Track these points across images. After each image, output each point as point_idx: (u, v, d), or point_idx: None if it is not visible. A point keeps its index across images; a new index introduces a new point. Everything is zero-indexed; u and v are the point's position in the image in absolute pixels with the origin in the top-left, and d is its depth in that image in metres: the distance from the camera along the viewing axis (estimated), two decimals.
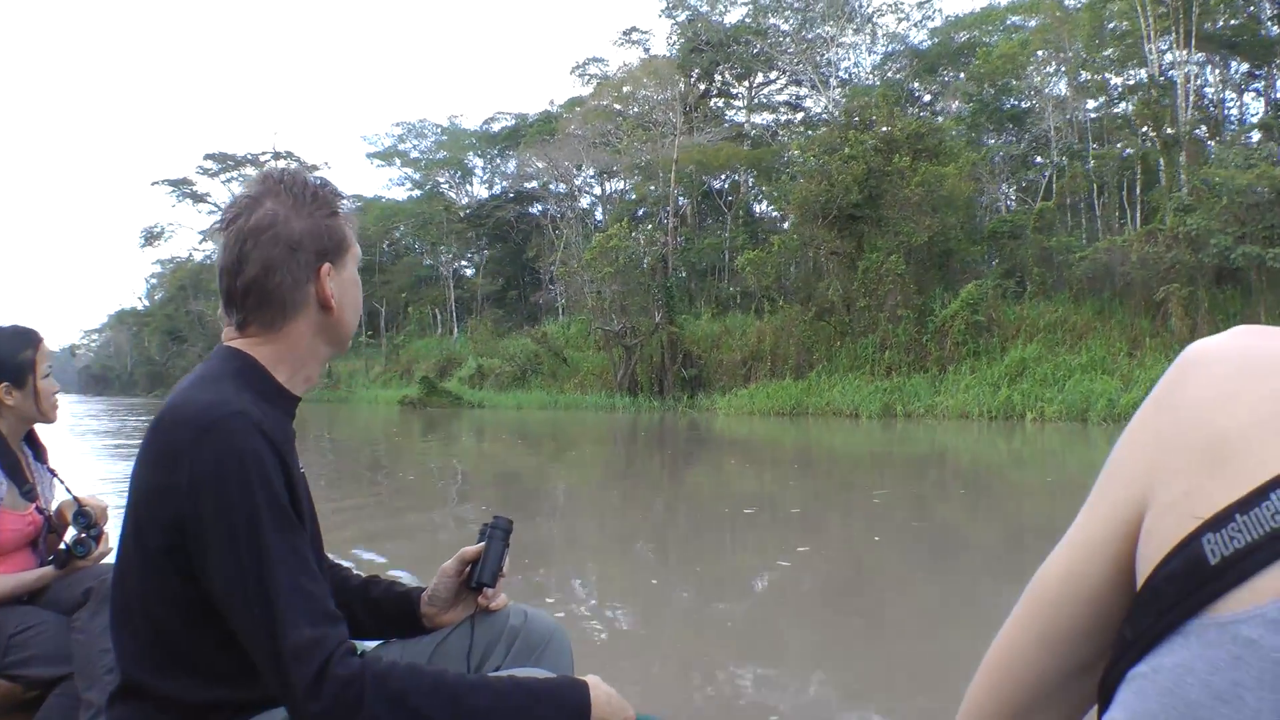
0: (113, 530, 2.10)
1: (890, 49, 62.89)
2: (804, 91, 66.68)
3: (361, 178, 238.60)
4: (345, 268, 1.82)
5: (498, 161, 79.39)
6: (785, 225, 42.07)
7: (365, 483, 14.64)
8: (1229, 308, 32.20)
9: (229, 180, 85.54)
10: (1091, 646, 0.83)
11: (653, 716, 1.94)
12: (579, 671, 1.87)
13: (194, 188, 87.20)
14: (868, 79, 63.41)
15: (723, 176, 61.51)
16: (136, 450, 1.68)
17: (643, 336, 43.03)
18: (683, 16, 68.20)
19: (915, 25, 62.89)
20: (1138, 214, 39.70)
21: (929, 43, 60.99)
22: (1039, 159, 47.25)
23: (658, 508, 12.22)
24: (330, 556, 2.07)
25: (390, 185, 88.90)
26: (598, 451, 22.62)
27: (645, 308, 43.25)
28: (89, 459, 16.74)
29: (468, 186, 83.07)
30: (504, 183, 77.04)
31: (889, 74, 62.86)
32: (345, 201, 1.85)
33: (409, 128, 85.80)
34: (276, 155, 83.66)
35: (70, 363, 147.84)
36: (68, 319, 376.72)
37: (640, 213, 63.34)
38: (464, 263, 77.93)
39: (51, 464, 3.28)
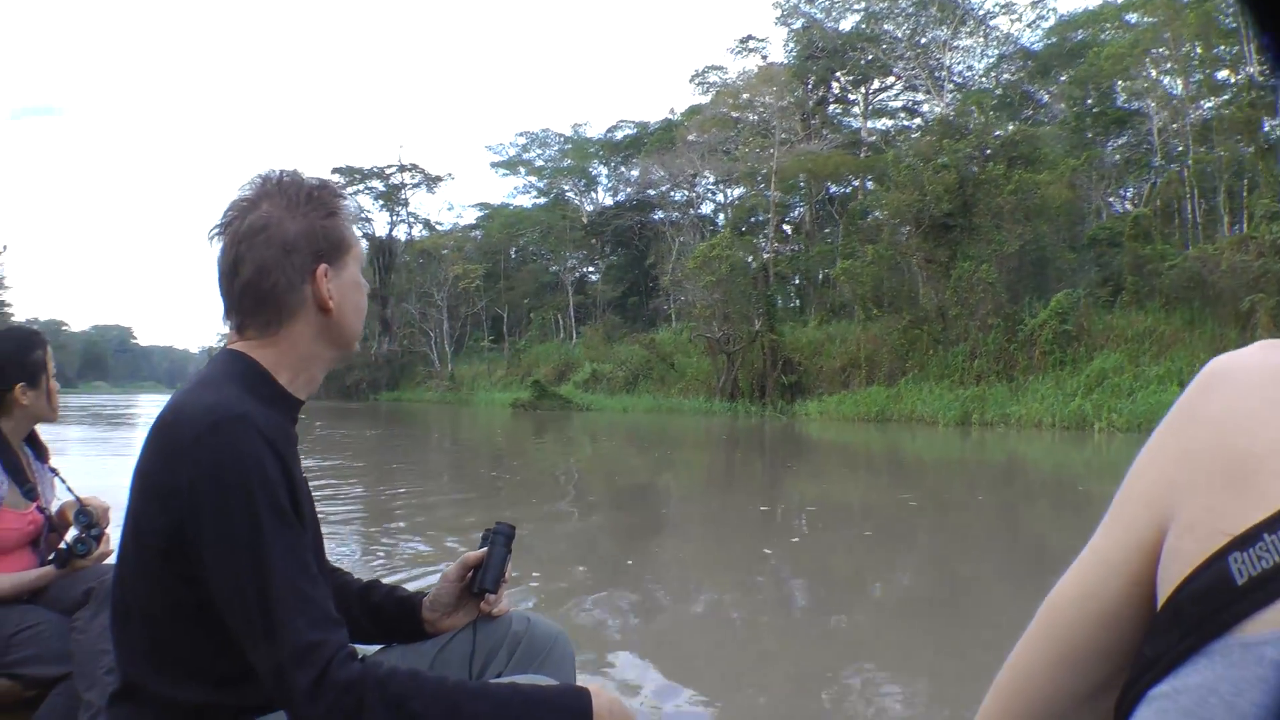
0: (115, 531, 2.18)
1: (1003, 51, 62.73)
2: (920, 96, 67.02)
3: (487, 187, 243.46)
4: (345, 269, 1.83)
5: (621, 169, 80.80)
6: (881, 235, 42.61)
7: (470, 477, 16.21)
8: None
9: (355, 192, 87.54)
10: (1107, 668, 0.83)
11: None
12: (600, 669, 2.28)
13: None
14: (981, 82, 63.45)
15: (844, 183, 61.96)
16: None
17: (743, 344, 44.19)
18: (798, 24, 68.96)
19: (1029, 26, 62.68)
20: (1242, 221, 39.29)
21: (1043, 44, 60.64)
22: (1156, 161, 46.67)
23: (731, 508, 12.94)
24: (330, 560, 2.09)
25: (515, 193, 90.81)
26: (679, 452, 24.13)
27: (746, 315, 44.40)
28: None
29: (592, 194, 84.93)
30: (627, 190, 78.63)
31: (1002, 77, 62.80)
32: (347, 202, 1.87)
33: (532, 137, 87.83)
34: (401, 167, 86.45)
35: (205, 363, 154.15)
36: (205, 321, 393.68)
37: (756, 219, 64.22)
38: (590, 269, 79.86)
39: (52, 464, 3.36)
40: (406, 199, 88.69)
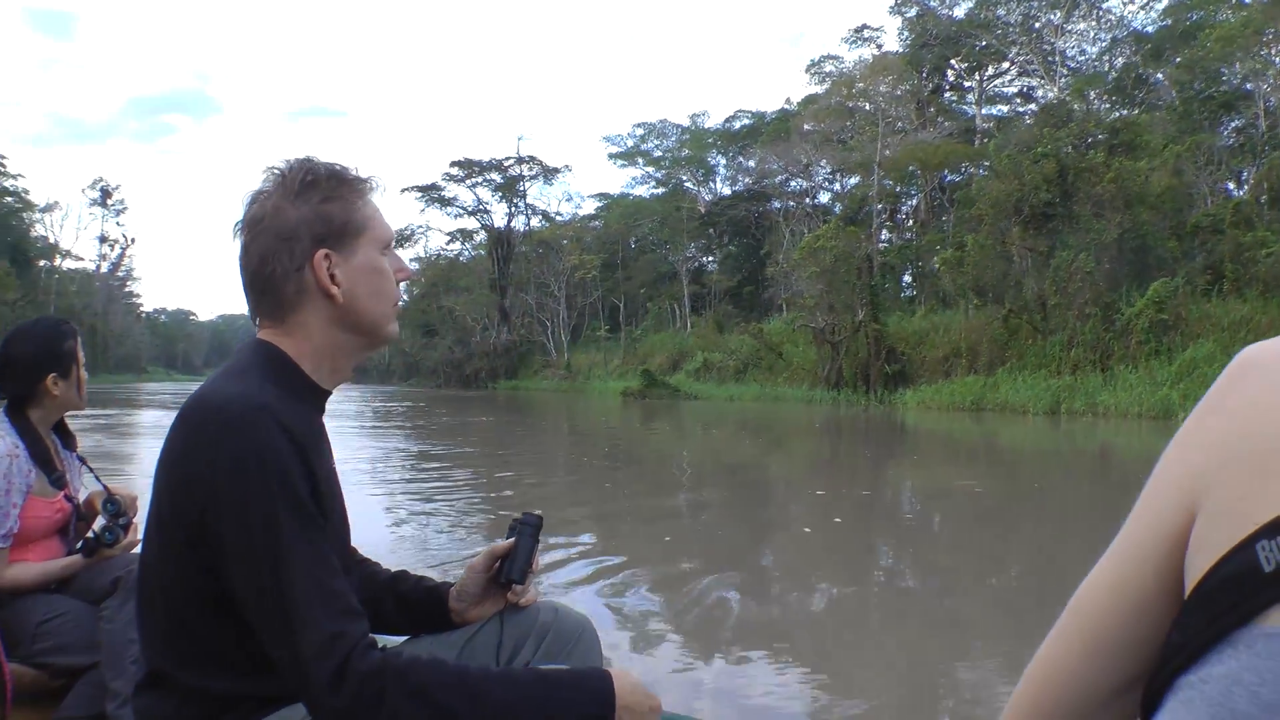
0: (143, 520, 1.94)
1: (1116, 34, 62.25)
2: (1034, 82, 66.83)
3: (606, 178, 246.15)
4: (356, 253, 1.79)
5: (739, 159, 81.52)
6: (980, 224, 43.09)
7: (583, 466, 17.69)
8: None
9: (474, 185, 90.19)
10: (1138, 660, 0.82)
11: (684, 716, 2.06)
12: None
13: (441, 192, 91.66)
14: (1095, 66, 63.10)
15: (958, 172, 62.08)
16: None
17: (847, 334, 45.18)
18: (912, 12, 69.19)
19: (1143, 8, 62.10)
20: None
21: (1156, 25, 60.00)
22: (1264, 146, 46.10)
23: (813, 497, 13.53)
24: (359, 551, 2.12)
25: (633, 184, 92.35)
26: (777, 439, 25.68)
27: (850, 305, 45.34)
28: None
29: (711, 184, 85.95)
30: (745, 180, 79.43)
31: (1116, 60, 62.34)
32: (362, 185, 1.84)
33: (650, 128, 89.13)
34: (519, 160, 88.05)
35: None
36: None
37: (868, 209, 64.63)
38: (709, 259, 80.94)
39: (80, 451, 3.39)
40: (524, 190, 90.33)
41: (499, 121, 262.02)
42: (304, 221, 1.74)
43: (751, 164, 76.80)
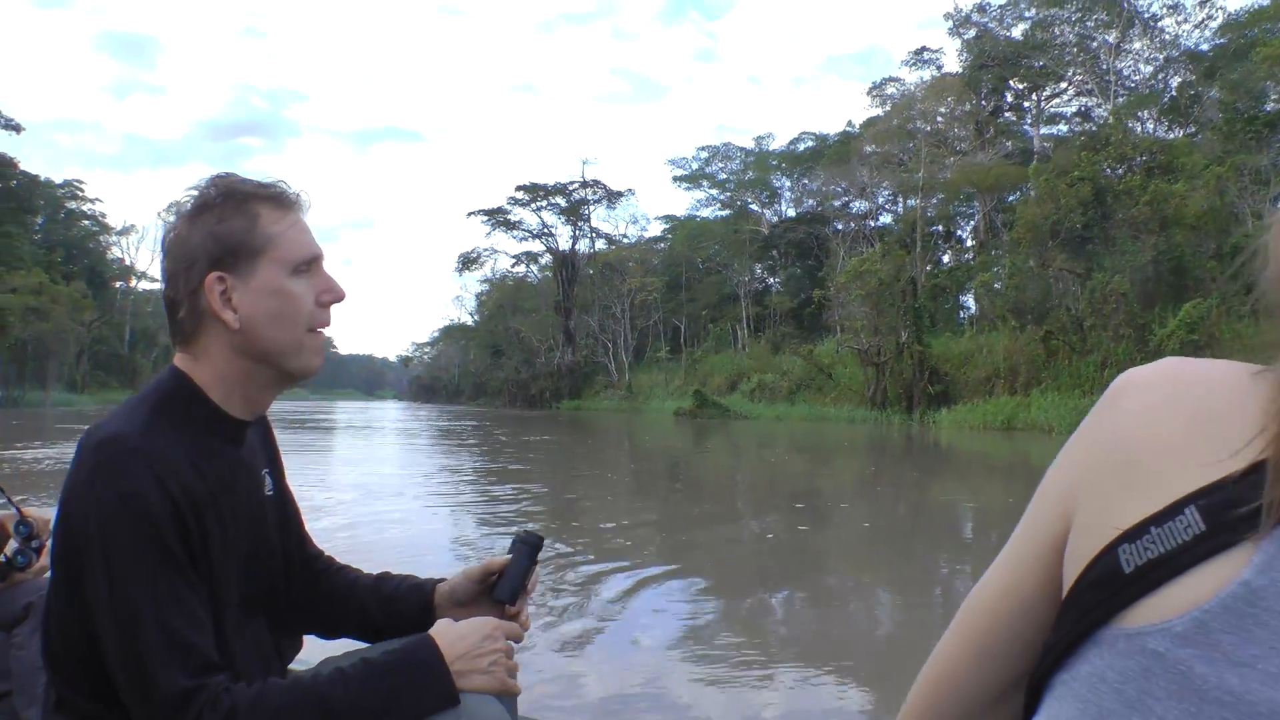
0: None
1: (1169, 54, 62.51)
2: (1092, 102, 67.18)
3: (673, 199, 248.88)
4: (255, 274, 1.68)
5: (804, 181, 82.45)
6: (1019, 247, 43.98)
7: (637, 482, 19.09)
8: None
9: (539, 209, 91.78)
10: (1025, 660, 0.88)
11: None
12: None
13: (507, 216, 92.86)
14: (1150, 85, 63.37)
15: (1016, 193, 62.39)
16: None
17: (889, 355, 46.23)
18: (970, 34, 69.79)
19: (1197, 26, 62.30)
20: None
21: (1211, 44, 60.16)
22: None
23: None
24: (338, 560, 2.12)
25: (697, 205, 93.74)
26: (807, 455, 27.00)
27: (894, 327, 46.39)
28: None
29: (776, 206, 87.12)
30: (810, 201, 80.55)
31: (1170, 80, 62.61)
32: (267, 202, 1.72)
33: (713, 150, 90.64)
34: (584, 184, 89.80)
35: (403, 372, 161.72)
36: (400, 331, 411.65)
37: (921, 232, 65.21)
38: (774, 280, 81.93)
39: None
40: (588, 214, 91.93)
41: (566, 145, 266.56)
42: (199, 243, 1.67)
43: (816, 185, 77.83)
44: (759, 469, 23.44)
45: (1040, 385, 40.19)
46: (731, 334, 76.34)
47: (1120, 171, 41.11)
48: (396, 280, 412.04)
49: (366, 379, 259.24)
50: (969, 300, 59.02)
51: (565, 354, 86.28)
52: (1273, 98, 47.73)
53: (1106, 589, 0.76)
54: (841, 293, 48.91)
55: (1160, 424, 0.81)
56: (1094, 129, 46.20)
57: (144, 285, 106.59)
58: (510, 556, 2.04)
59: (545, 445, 30.36)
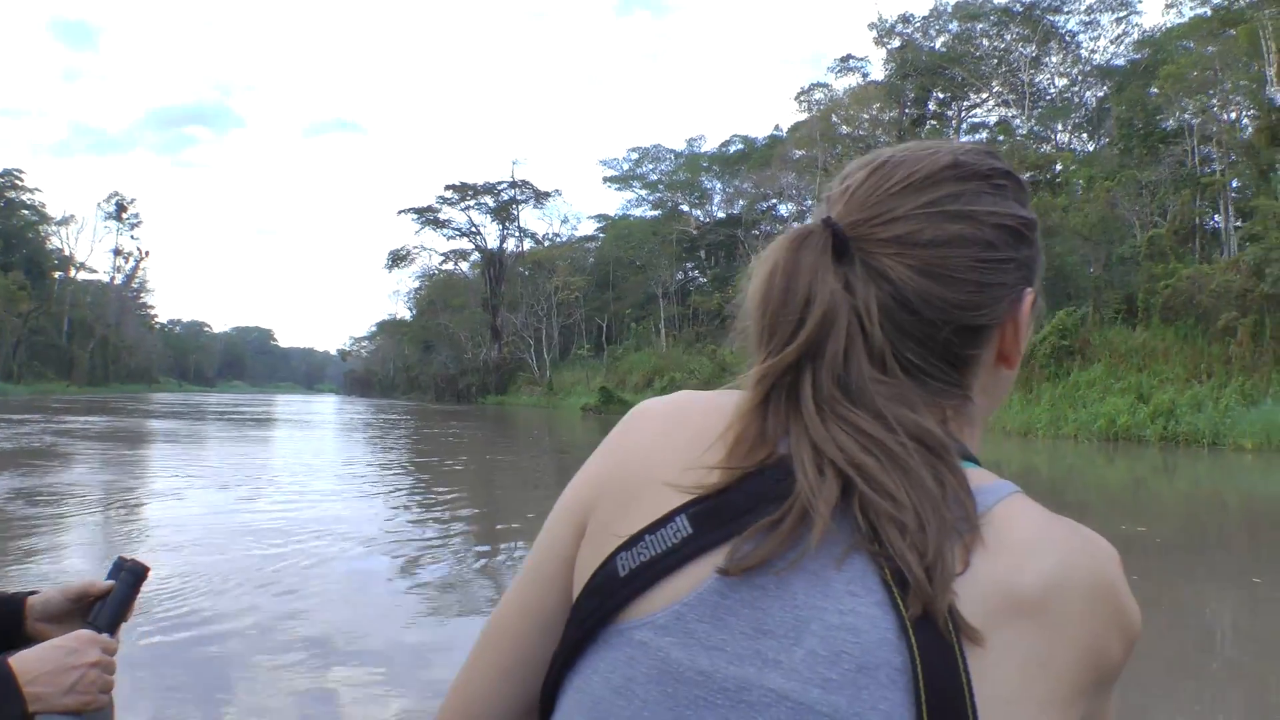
0: None
1: (1083, 69, 63.94)
2: (1011, 113, 68.55)
3: (608, 199, 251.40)
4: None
5: (736, 183, 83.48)
6: None
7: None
8: None
9: (466, 208, 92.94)
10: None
11: None
12: None
13: (436, 214, 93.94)
14: (1065, 98, 64.78)
15: None
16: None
17: None
18: (895, 44, 70.99)
19: (1113, 42, 63.82)
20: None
21: (1127, 60, 61.51)
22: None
23: None
24: None
25: (627, 206, 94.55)
26: None
27: None
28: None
29: (708, 207, 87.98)
30: (741, 203, 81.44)
31: (1085, 94, 64.04)
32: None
33: (644, 152, 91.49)
34: (512, 184, 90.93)
35: (341, 365, 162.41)
36: (341, 324, 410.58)
37: None
38: (703, 279, 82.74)
39: None
40: (517, 214, 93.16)
41: (506, 141, 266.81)
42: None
43: (748, 187, 78.88)
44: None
45: None
46: (656, 332, 77.21)
47: None
48: (338, 273, 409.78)
49: (307, 372, 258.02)
50: None
51: (492, 350, 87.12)
52: (1175, 115, 49.14)
53: (604, 593, 0.83)
54: (738, 294, 49.92)
55: (664, 446, 0.91)
56: (1015, 141, 47.34)
57: (83, 276, 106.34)
58: (112, 583, 1.88)
59: (435, 437, 31.53)
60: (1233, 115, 45.63)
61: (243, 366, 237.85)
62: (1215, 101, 45.18)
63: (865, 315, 0.88)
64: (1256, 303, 33.69)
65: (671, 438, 0.92)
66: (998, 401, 1.04)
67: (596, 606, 0.83)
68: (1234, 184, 43.05)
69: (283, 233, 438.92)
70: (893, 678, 0.74)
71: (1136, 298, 39.42)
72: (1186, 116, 46.97)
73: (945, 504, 0.79)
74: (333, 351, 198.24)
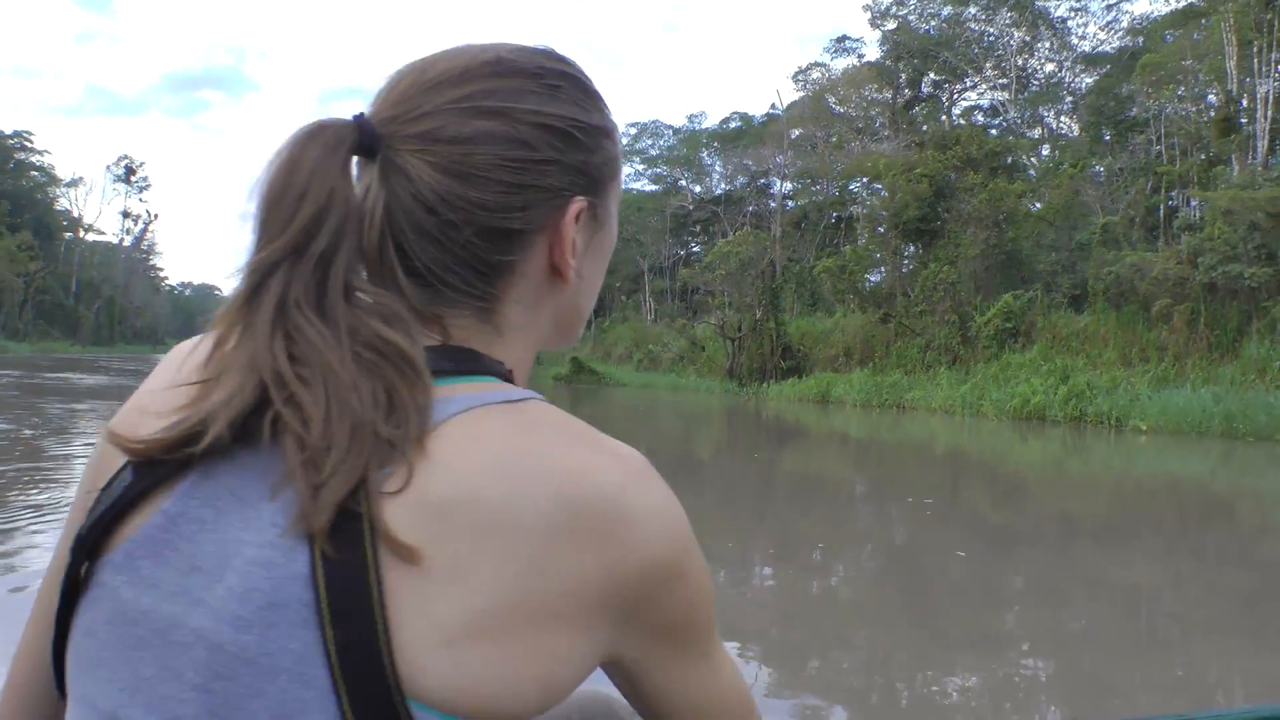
0: None
1: (1068, 55, 64.35)
2: (1003, 96, 68.88)
3: None
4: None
5: (736, 160, 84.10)
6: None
7: None
8: (1227, 323, 33.84)
9: None
10: None
11: None
12: None
13: None
14: (1053, 83, 65.16)
15: None
16: None
17: (745, 331, 48.34)
18: (890, 26, 71.38)
19: (1103, 28, 64.23)
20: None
21: (1117, 47, 61.76)
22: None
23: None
24: None
25: (626, 181, 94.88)
26: (635, 416, 29.31)
27: (751, 306, 48.49)
28: None
29: (707, 183, 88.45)
30: (742, 179, 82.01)
31: (1078, 79, 64.34)
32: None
33: (642, 127, 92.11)
34: None
35: None
36: None
37: (836, 217, 66.60)
38: (696, 254, 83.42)
39: None
40: None
41: None
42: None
43: (750, 164, 79.42)
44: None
45: (872, 364, 42.31)
46: (645, 306, 78.04)
47: (962, 170, 43.06)
48: None
49: None
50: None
51: None
52: (1141, 104, 49.57)
53: (82, 549, 0.80)
54: (708, 271, 51.02)
55: (160, 385, 0.89)
56: (1009, 123, 47.93)
57: (91, 237, 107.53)
58: None
59: None
60: (1195, 108, 46.19)
61: None
62: (1182, 90, 45.74)
63: (370, 216, 0.88)
64: (1195, 291, 34.36)
65: (165, 376, 0.91)
66: (566, 320, 1.06)
67: (77, 563, 0.81)
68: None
69: None
70: (304, 616, 0.70)
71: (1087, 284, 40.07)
72: (1151, 105, 47.50)
73: (382, 419, 0.76)
74: None
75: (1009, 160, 44.12)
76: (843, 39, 76.50)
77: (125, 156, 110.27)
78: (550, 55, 0.97)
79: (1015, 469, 19.34)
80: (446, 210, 0.87)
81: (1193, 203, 41.49)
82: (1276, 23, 39.60)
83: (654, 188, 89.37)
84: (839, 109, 68.78)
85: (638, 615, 0.80)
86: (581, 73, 1.00)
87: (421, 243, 0.88)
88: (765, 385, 45.58)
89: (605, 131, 0.99)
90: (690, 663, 0.88)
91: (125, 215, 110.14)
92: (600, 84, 1.01)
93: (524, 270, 0.93)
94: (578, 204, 0.93)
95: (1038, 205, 45.54)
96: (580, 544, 0.76)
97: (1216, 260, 33.46)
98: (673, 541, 0.81)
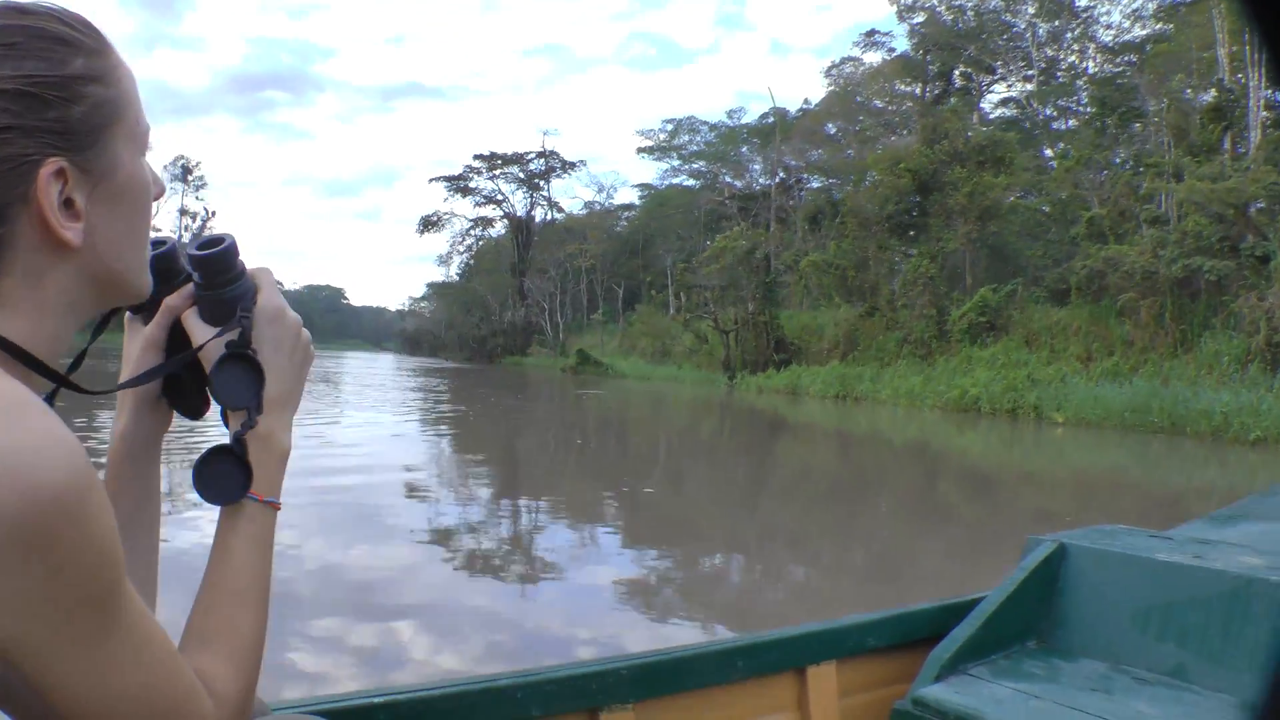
0: None
1: (1096, 45, 63.91)
2: (1030, 88, 68.45)
3: (643, 171, 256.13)
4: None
5: (773, 155, 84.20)
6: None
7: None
8: (1193, 318, 34.04)
9: (494, 176, 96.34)
10: None
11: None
12: None
13: (466, 183, 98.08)
14: (1074, 73, 64.80)
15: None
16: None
17: (738, 325, 48.94)
18: (918, 19, 71.24)
19: (1128, 17, 63.65)
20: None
21: (1142, 38, 61.19)
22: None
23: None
24: None
25: (662, 176, 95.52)
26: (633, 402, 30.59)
27: (744, 299, 49.07)
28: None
29: (747, 177, 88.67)
30: (781, 174, 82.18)
31: (1105, 69, 63.81)
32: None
33: (678, 123, 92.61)
34: (540, 154, 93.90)
35: (399, 324, 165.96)
36: (406, 284, 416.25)
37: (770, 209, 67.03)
38: None
39: None
40: (539, 184, 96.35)
41: (529, 115, 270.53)
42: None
43: (790, 160, 79.62)
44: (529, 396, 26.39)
45: (854, 356, 42.75)
46: (669, 301, 78.81)
47: (945, 162, 43.21)
48: (408, 232, 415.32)
49: (375, 330, 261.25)
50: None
51: (518, 313, 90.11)
52: (1142, 96, 49.33)
53: None
54: (703, 266, 51.75)
55: None
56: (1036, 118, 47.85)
57: (151, 235, 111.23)
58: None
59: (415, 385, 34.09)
60: (1202, 97, 45.78)
61: (312, 325, 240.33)
62: (1191, 85, 45.42)
63: None
64: (1163, 284, 34.35)
65: None
66: (106, 280, 0.98)
67: None
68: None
69: (365, 195, 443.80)
70: None
71: (1069, 276, 40.11)
72: (1154, 97, 47.18)
73: None
74: (394, 308, 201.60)
75: (999, 154, 43.70)
76: (871, 33, 75.95)
77: (181, 157, 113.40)
78: (8, 10, 0.88)
79: (870, 444, 20.30)
80: None
81: (1168, 196, 41.40)
82: None
83: (692, 183, 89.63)
84: (878, 103, 68.83)
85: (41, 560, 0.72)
86: (57, 16, 0.92)
87: None
88: (744, 377, 46.21)
89: (90, 77, 0.92)
90: (81, 649, 0.76)
91: (183, 212, 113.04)
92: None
93: (12, 242, 0.86)
94: (50, 165, 0.86)
95: (1033, 198, 45.64)
96: None
97: (1178, 253, 33.49)
98: (21, 496, 0.71)
